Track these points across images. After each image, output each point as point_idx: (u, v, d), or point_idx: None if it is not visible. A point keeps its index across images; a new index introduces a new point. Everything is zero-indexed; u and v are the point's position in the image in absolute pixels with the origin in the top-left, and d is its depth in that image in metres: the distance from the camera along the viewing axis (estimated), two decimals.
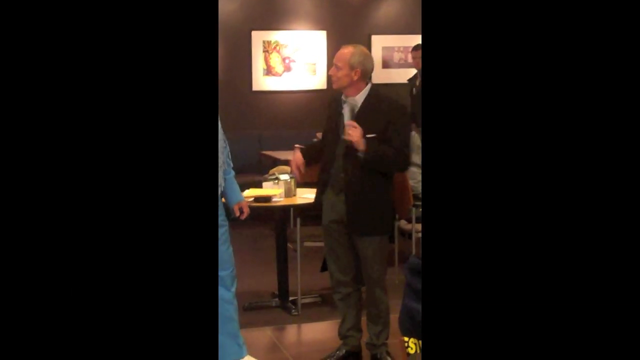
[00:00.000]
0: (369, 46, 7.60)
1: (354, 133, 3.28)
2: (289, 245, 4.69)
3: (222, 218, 3.42)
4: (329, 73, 3.55)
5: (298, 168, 3.63)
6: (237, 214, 3.63)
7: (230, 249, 3.49)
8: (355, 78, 3.42)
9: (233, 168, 3.60)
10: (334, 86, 3.50)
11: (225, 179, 3.52)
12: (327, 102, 3.69)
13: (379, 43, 7.74)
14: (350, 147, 3.36)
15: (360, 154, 3.31)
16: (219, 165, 3.40)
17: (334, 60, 3.49)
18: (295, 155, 3.66)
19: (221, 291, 3.42)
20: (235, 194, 3.61)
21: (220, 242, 3.37)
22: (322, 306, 4.60)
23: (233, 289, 3.48)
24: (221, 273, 3.40)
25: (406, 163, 3.53)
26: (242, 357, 3.57)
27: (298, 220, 4.62)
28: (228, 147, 3.54)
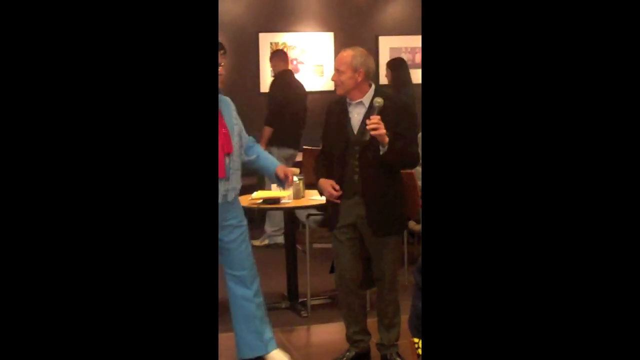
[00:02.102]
0: (376, 47, 7.60)
1: (380, 127, 3.24)
2: (298, 247, 4.69)
3: (239, 219, 3.46)
4: (332, 79, 3.47)
5: (333, 188, 3.45)
6: (282, 176, 3.60)
7: (249, 248, 3.53)
8: (360, 79, 3.39)
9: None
10: (339, 92, 3.44)
11: (255, 156, 3.56)
12: (326, 109, 3.62)
13: (386, 44, 7.74)
14: (367, 148, 3.33)
15: (381, 148, 3.29)
16: (237, 167, 3.42)
17: (335, 66, 3.44)
18: (326, 183, 3.48)
19: (241, 290, 3.48)
20: (271, 162, 3.61)
21: (238, 242, 3.43)
22: (331, 308, 4.59)
23: (253, 287, 3.53)
24: (240, 272, 3.46)
25: (416, 159, 3.53)
26: (268, 353, 3.63)
27: (307, 221, 4.62)
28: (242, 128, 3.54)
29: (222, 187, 3.33)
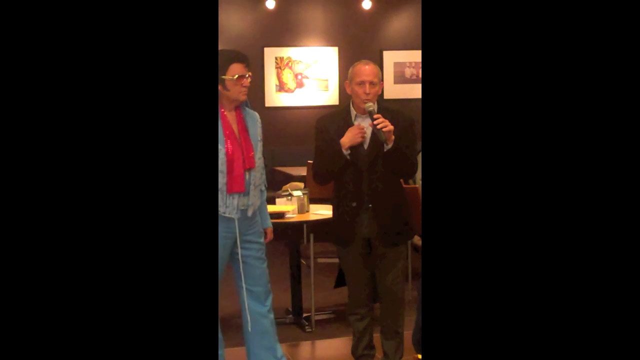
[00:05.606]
0: (380, 61, 7.62)
1: (387, 123, 3.26)
2: (302, 261, 4.68)
3: (257, 235, 3.49)
4: (365, 91, 3.37)
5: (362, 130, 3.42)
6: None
7: (265, 264, 3.56)
8: (380, 91, 3.44)
9: None
10: (371, 100, 3.37)
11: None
12: (317, 125, 3.53)
13: (391, 58, 7.76)
14: (376, 160, 3.35)
15: (386, 146, 3.31)
16: (258, 183, 3.44)
17: (367, 78, 3.38)
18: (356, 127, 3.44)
19: (256, 306, 3.53)
20: (265, 218, 3.62)
21: (255, 257, 3.47)
22: (336, 323, 4.58)
23: (267, 303, 3.57)
24: (255, 288, 3.51)
25: (415, 168, 3.55)
26: None
27: (311, 236, 4.61)
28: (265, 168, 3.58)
29: (240, 201, 3.34)
